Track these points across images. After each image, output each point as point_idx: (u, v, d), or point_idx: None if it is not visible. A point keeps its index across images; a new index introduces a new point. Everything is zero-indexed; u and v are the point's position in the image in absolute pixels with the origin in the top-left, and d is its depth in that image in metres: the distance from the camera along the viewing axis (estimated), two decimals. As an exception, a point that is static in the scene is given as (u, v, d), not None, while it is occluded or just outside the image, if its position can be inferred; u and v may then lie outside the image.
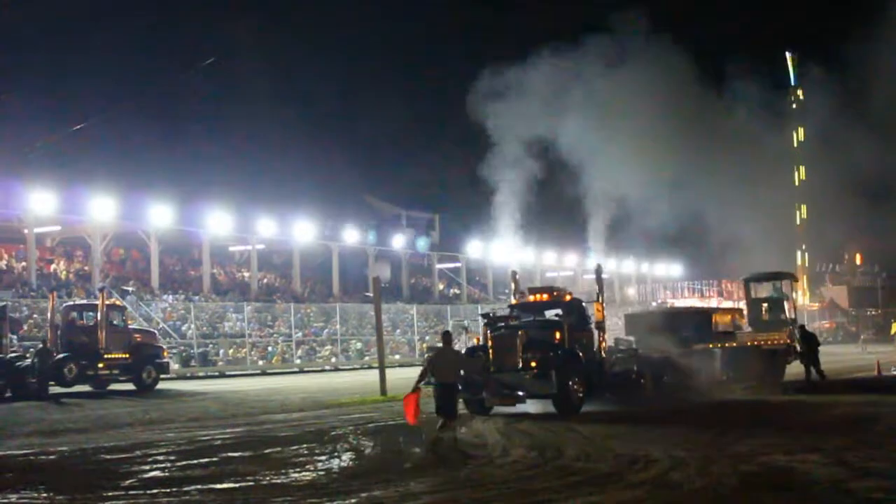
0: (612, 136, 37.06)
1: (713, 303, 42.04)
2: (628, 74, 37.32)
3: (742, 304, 41.05)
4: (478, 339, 25.05)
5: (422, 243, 73.18)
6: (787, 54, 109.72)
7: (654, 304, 71.11)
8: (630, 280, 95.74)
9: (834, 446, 16.23)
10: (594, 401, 23.73)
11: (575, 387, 22.98)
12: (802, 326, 33.13)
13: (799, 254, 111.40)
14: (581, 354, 23.78)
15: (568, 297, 25.56)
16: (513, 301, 27.19)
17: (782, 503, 12.17)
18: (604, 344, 24.99)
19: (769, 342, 32.67)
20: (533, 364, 22.66)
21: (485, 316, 25.36)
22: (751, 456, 15.36)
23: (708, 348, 29.59)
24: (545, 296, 25.94)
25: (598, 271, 26.52)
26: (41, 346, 33.18)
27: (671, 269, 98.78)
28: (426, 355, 20.58)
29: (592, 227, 36.34)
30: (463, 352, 23.00)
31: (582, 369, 23.47)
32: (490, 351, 23.29)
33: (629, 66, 37.50)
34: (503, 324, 24.46)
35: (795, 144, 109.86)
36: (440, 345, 18.41)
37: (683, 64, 39.69)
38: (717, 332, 30.64)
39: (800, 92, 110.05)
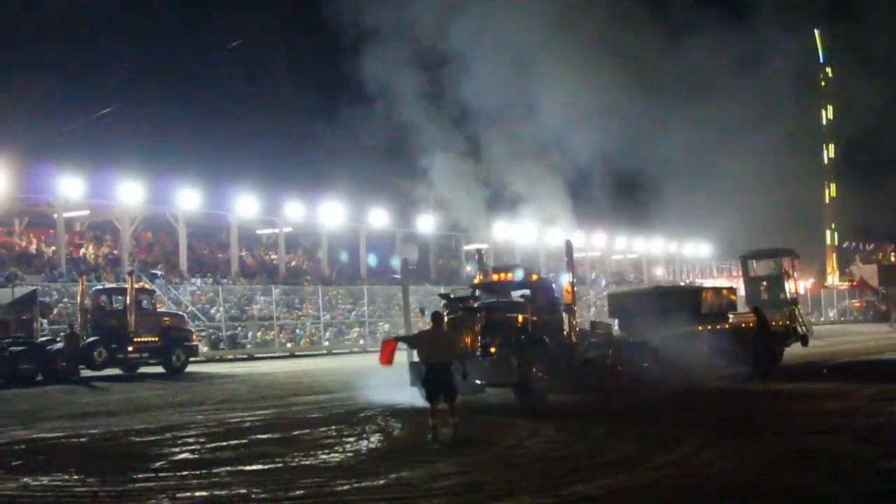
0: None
1: (741, 283, 41.41)
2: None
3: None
4: None
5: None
6: (816, 31, 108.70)
7: (682, 284, 70.64)
8: (659, 260, 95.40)
9: (863, 427, 16.19)
10: (562, 391, 21.83)
11: (539, 375, 21.15)
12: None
13: (828, 232, 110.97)
14: (547, 340, 22.09)
15: (535, 277, 23.78)
16: (475, 280, 25.32)
17: (811, 481, 12.13)
18: (575, 328, 23.10)
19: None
20: (492, 350, 21.04)
21: (443, 296, 23.50)
22: (777, 437, 15.34)
23: (696, 330, 27.40)
24: (510, 275, 23.94)
25: (568, 247, 24.19)
26: (69, 329, 33.40)
27: (700, 248, 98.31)
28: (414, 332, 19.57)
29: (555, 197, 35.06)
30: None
31: (547, 356, 21.67)
32: None
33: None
34: (462, 305, 22.51)
35: (824, 122, 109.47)
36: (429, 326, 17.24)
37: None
38: (707, 312, 28.62)
39: (829, 69, 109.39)
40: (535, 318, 22.00)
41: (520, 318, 21.82)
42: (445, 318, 18.30)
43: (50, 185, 48.13)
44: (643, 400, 21.42)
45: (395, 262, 62.65)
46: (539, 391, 21.22)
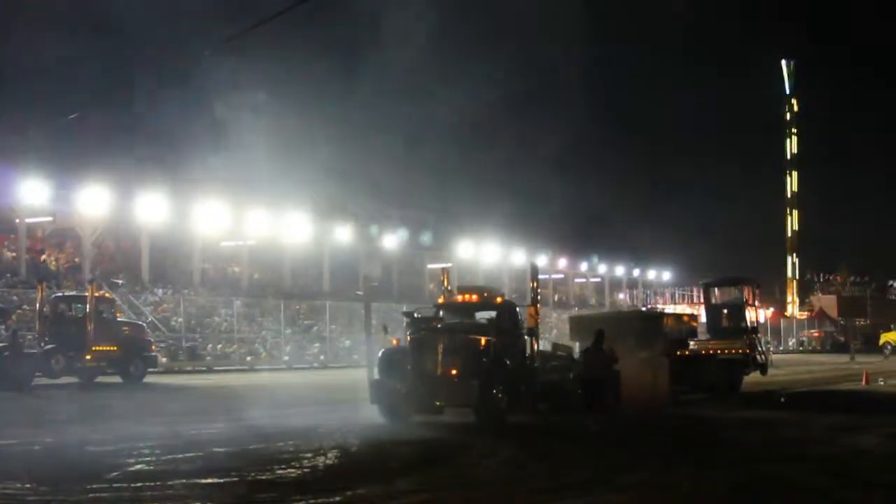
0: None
1: (702, 309, 41.31)
2: None
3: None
4: (397, 341, 23.05)
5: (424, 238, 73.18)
6: (783, 62, 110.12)
7: (643, 309, 70.93)
8: (621, 285, 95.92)
9: (820, 455, 16.29)
10: (523, 413, 21.95)
11: (500, 397, 21.07)
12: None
13: (790, 262, 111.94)
14: (508, 362, 21.83)
15: (499, 300, 23.72)
16: (440, 300, 25.20)
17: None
18: (536, 350, 23.18)
19: (725, 351, 31.16)
20: (453, 371, 20.76)
21: (407, 315, 23.21)
22: (735, 464, 15.39)
23: (656, 356, 27.25)
24: (475, 296, 23.86)
25: (533, 270, 24.75)
26: (12, 334, 33.06)
27: (661, 274, 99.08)
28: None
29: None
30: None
31: (508, 378, 21.49)
32: (408, 355, 21.57)
33: None
34: (425, 325, 22.50)
35: (789, 155, 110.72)
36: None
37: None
38: (667, 338, 28.68)
39: (794, 101, 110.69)
40: (497, 341, 21.80)
41: (482, 340, 21.62)
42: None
43: (13, 189, 47.68)
44: (603, 423, 21.47)
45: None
46: (499, 413, 21.18)
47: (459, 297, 24.26)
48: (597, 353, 19.66)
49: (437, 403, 21.12)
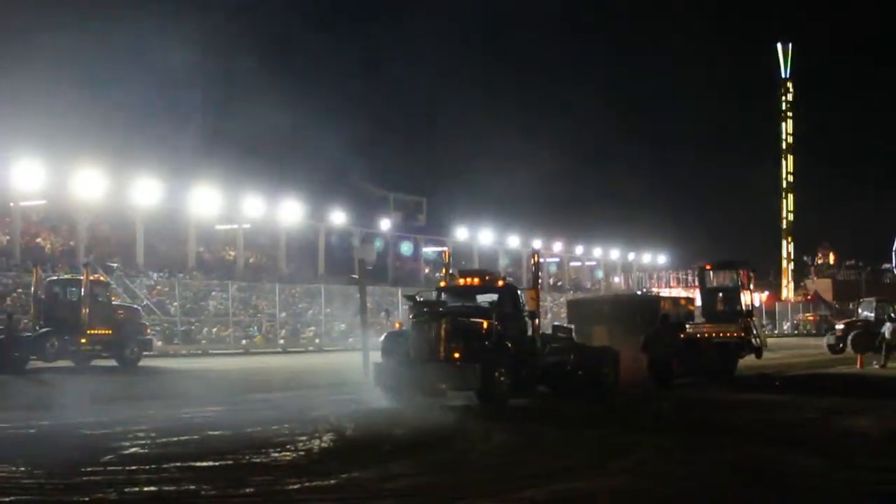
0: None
1: (697, 293, 41.12)
2: None
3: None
4: (399, 325, 23.55)
5: (405, 247, 73.51)
6: (779, 45, 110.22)
7: (639, 292, 71.04)
8: (616, 268, 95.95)
9: (815, 438, 16.32)
10: (525, 395, 22.22)
11: (502, 380, 21.18)
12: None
13: (785, 245, 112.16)
14: (510, 345, 21.94)
15: (501, 283, 23.82)
16: (441, 284, 25.14)
17: (765, 492, 12.18)
18: (537, 333, 23.39)
19: (720, 334, 31.36)
20: (456, 354, 20.92)
21: (409, 298, 23.13)
22: (731, 447, 15.41)
23: None
24: (476, 280, 23.90)
25: (535, 255, 25.39)
26: (7, 317, 32.98)
27: (657, 258, 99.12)
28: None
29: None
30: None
31: (510, 361, 21.63)
32: (411, 338, 21.77)
33: None
34: (428, 308, 22.28)
35: (784, 140, 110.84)
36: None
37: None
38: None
39: (790, 85, 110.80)
40: (499, 324, 21.94)
41: (485, 323, 21.71)
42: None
43: (6, 173, 47.55)
44: (601, 406, 21.54)
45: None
46: (501, 395, 21.32)
47: (461, 281, 24.26)
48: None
49: (440, 386, 21.20)
